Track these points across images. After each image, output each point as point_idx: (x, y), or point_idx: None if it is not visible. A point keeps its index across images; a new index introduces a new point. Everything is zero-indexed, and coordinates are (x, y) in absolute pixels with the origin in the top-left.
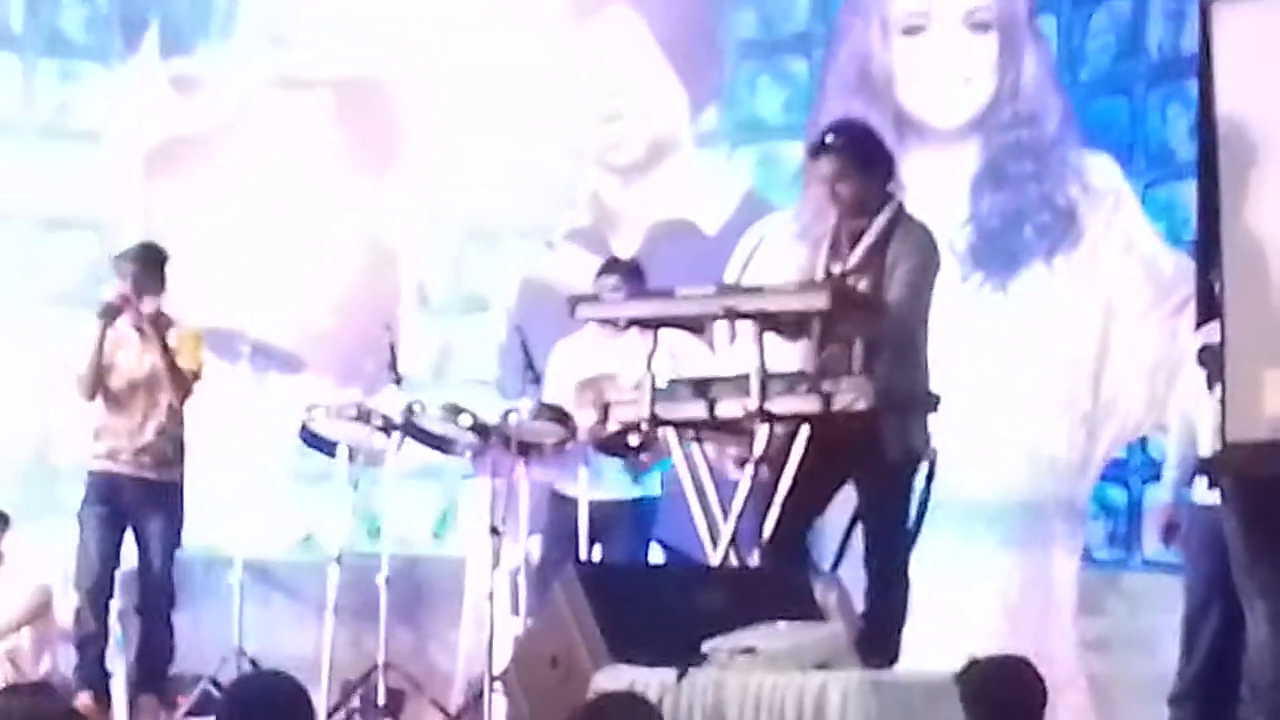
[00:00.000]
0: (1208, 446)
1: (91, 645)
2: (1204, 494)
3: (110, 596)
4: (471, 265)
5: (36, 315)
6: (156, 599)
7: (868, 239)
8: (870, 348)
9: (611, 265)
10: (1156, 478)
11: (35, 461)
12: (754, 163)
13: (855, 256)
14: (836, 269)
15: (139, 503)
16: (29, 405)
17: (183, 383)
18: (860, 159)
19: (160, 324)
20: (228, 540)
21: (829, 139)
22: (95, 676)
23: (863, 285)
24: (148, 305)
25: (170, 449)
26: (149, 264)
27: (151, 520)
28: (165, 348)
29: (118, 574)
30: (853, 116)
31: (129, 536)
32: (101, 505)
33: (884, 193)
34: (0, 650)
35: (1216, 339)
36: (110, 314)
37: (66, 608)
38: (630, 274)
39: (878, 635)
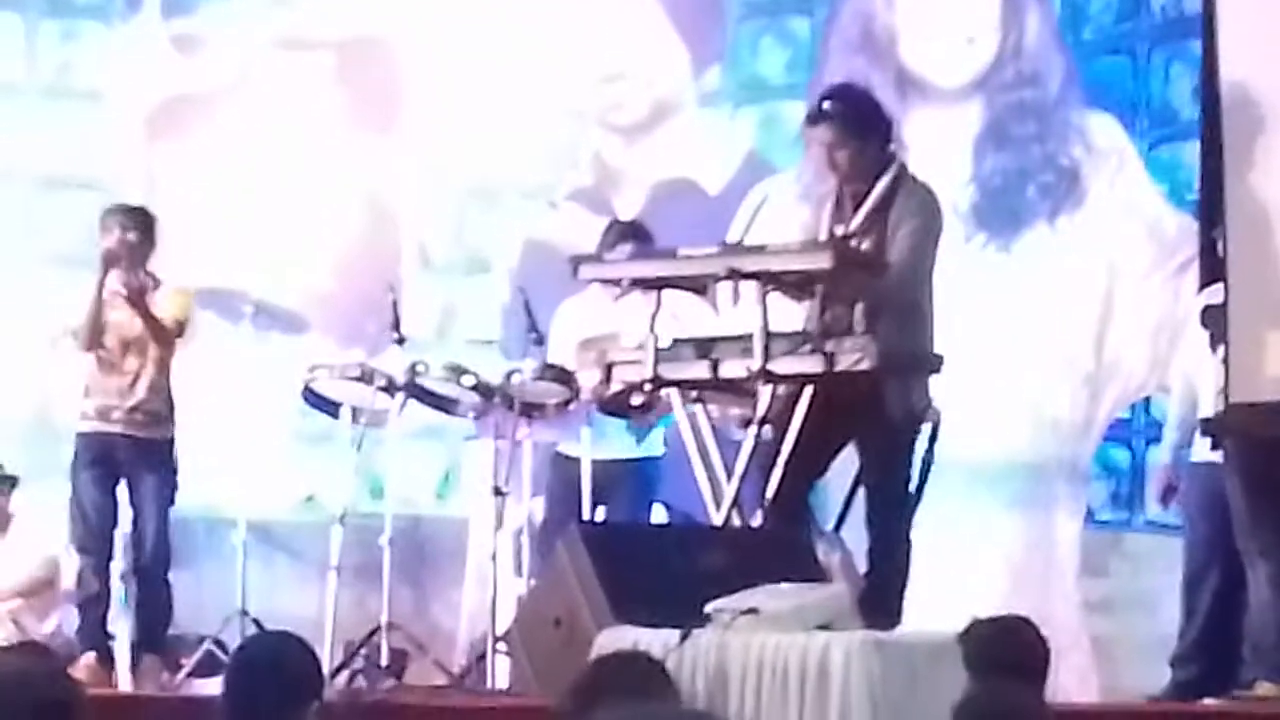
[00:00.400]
0: (1209, 407)
1: (93, 606)
2: (1203, 454)
3: (111, 557)
4: (474, 225)
5: (37, 275)
6: (152, 558)
7: (870, 201)
8: (873, 308)
9: (616, 228)
10: (1159, 439)
11: (37, 422)
12: (757, 123)
13: (858, 218)
14: (840, 230)
15: (131, 462)
16: (30, 366)
17: (164, 336)
18: (856, 125)
19: (147, 285)
20: (230, 501)
21: (825, 106)
22: (98, 638)
23: (866, 246)
24: (135, 265)
25: (162, 407)
26: (138, 226)
27: (144, 479)
28: (147, 307)
29: (117, 534)
30: (851, 79)
31: (124, 497)
32: (94, 465)
33: (884, 155)
34: (3, 610)
35: (1220, 300)
36: (109, 261)
37: (72, 569)
38: (635, 237)
39: (880, 596)
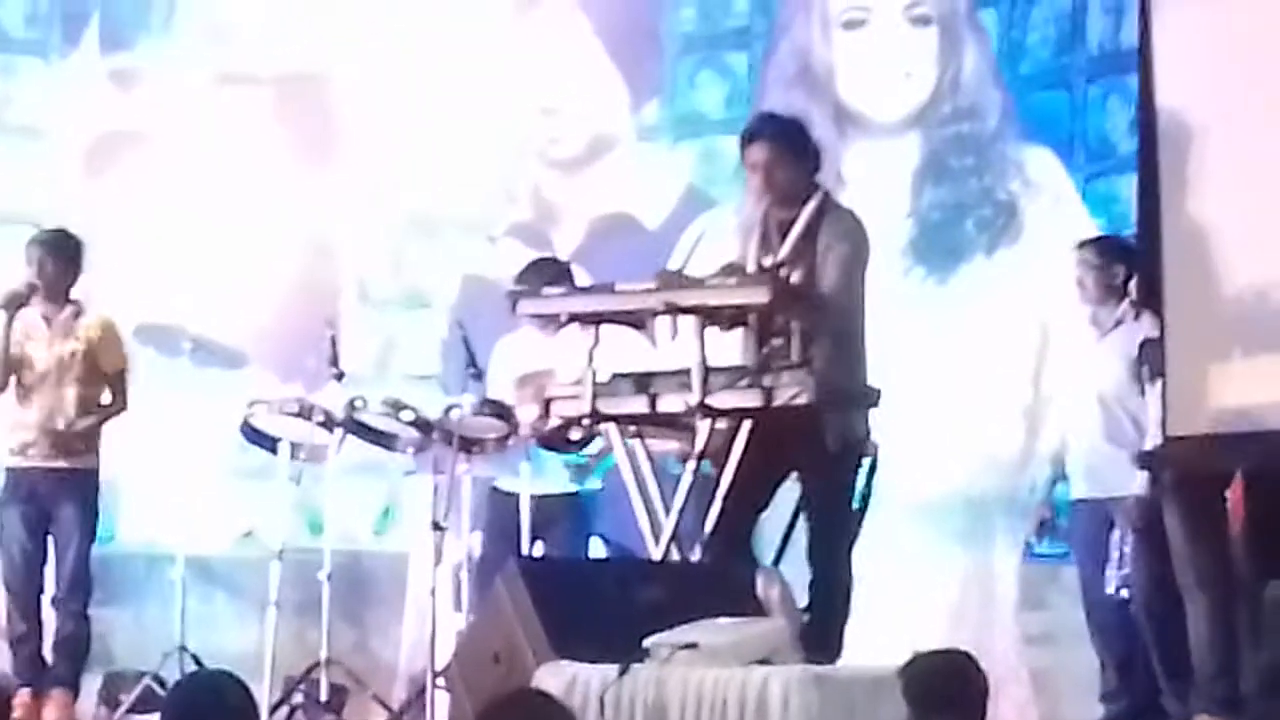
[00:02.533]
0: (1076, 445)
1: (25, 643)
2: (1080, 490)
3: (41, 592)
4: (413, 260)
5: None
6: (69, 591)
7: (797, 228)
8: (809, 340)
9: (534, 266)
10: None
11: None
12: (695, 157)
13: (786, 247)
14: (767, 261)
15: (53, 493)
16: None
17: (113, 382)
18: (790, 147)
19: (73, 313)
20: (169, 536)
21: (759, 126)
22: (31, 673)
23: (796, 275)
24: (59, 294)
25: (83, 438)
26: (61, 251)
27: (65, 509)
28: (79, 338)
29: (48, 569)
30: (789, 110)
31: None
32: (18, 501)
33: (811, 182)
34: None
35: (1157, 334)
36: (14, 303)
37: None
38: (557, 274)
39: (820, 630)
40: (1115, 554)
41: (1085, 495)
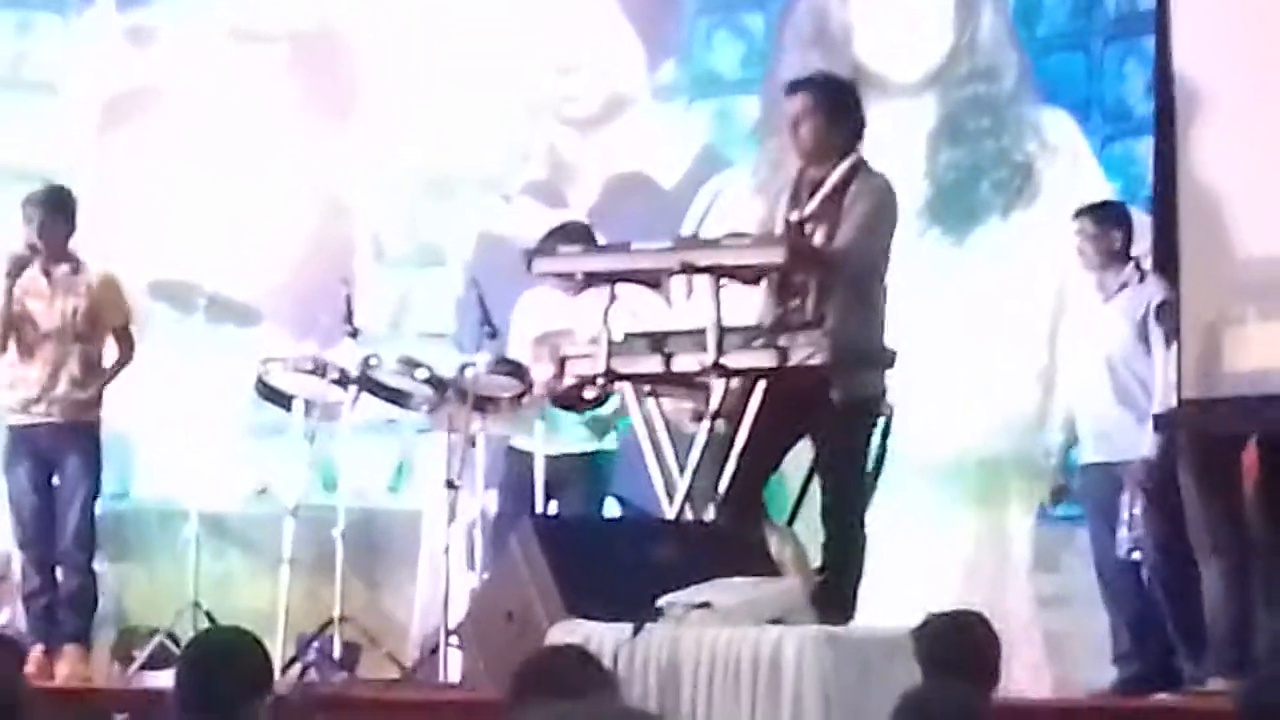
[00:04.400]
0: (1084, 409)
1: (37, 599)
2: (1090, 454)
3: (52, 548)
4: (428, 218)
5: None
6: (74, 545)
7: (826, 187)
8: (826, 300)
9: (560, 230)
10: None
11: None
12: (711, 117)
13: (813, 203)
14: (794, 217)
15: (56, 448)
16: None
17: (119, 336)
18: (830, 104)
19: (72, 268)
20: (183, 493)
21: (807, 79)
22: (46, 630)
23: (820, 232)
24: (58, 250)
25: (84, 393)
26: (56, 207)
27: (67, 465)
28: (80, 293)
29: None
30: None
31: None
32: (23, 459)
33: (847, 145)
34: None
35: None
36: (19, 267)
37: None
38: (580, 238)
39: (833, 590)
40: (1126, 516)
41: (1095, 459)
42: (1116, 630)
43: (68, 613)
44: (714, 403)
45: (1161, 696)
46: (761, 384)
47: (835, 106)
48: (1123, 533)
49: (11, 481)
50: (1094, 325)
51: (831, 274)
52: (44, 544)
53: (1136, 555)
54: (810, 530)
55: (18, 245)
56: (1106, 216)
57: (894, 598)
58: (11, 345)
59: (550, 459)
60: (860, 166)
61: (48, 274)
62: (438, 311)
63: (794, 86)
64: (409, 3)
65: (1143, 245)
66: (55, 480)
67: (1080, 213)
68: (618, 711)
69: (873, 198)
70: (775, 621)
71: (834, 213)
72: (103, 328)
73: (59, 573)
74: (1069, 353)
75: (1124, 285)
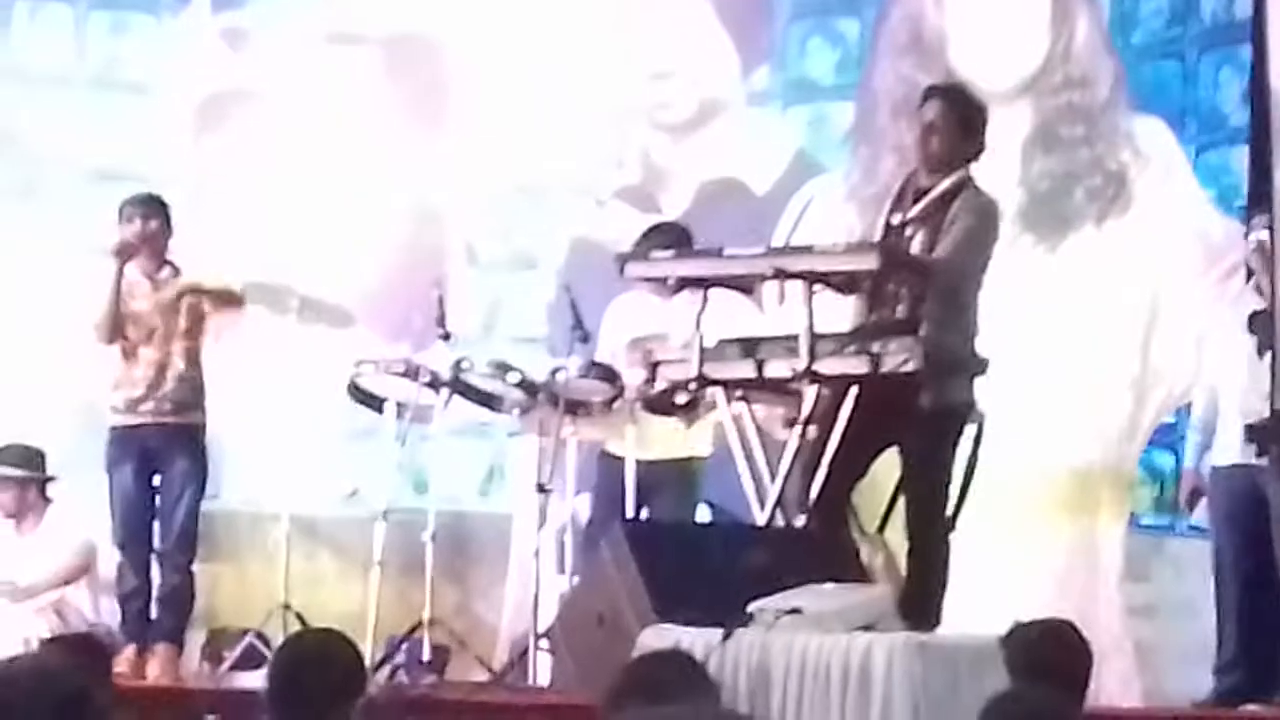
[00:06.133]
0: (1235, 410)
1: (134, 599)
2: (1228, 457)
3: (151, 549)
4: (520, 222)
5: (85, 267)
6: (176, 546)
7: (932, 194)
8: (919, 308)
9: (658, 230)
10: (1206, 445)
11: (85, 411)
12: (805, 123)
13: (916, 208)
14: (896, 220)
15: (160, 450)
16: (78, 356)
17: (230, 300)
18: (965, 118)
19: (171, 271)
20: (274, 495)
21: (948, 88)
22: (139, 630)
23: (919, 237)
24: (157, 253)
25: (189, 394)
26: (157, 212)
27: (173, 466)
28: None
29: (156, 525)
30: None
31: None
32: (126, 458)
33: (963, 161)
34: (45, 601)
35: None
36: (125, 252)
37: (113, 562)
38: (677, 240)
39: (919, 597)
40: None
41: (1238, 460)
42: (1223, 639)
43: (163, 612)
44: (806, 409)
45: (1251, 707)
46: (853, 390)
47: (966, 121)
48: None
49: (115, 481)
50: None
51: (926, 282)
52: (144, 544)
53: None
54: (900, 537)
55: (115, 243)
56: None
57: (984, 606)
58: (116, 345)
59: (641, 463)
60: (968, 181)
61: (149, 276)
62: (530, 316)
63: (932, 92)
64: (504, 7)
65: (1236, 255)
66: (156, 480)
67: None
68: (718, 715)
69: (978, 214)
70: (865, 628)
71: (936, 221)
72: (202, 322)
73: (155, 572)
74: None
75: None
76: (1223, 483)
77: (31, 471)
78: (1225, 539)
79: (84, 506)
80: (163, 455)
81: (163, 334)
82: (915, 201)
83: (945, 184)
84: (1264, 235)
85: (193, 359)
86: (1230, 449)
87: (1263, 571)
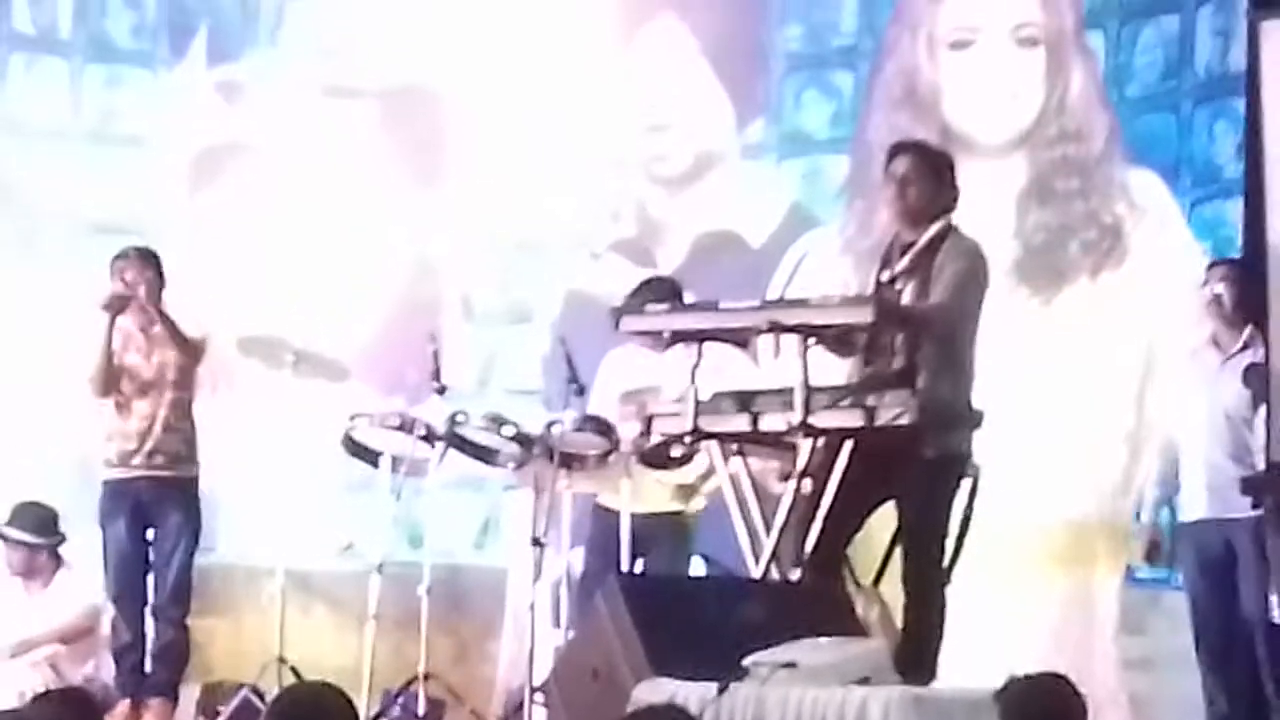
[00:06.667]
0: (1199, 465)
1: (128, 654)
2: (1192, 511)
3: (144, 603)
4: (516, 276)
5: (81, 320)
6: (170, 600)
7: (917, 246)
8: (914, 361)
9: (647, 285)
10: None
11: (83, 465)
12: (800, 176)
13: (903, 262)
14: (885, 276)
15: (155, 502)
16: (76, 410)
17: (189, 350)
18: (932, 169)
19: (163, 323)
20: (269, 548)
21: (914, 143)
22: (133, 684)
23: (909, 290)
24: (149, 307)
25: (182, 447)
26: (150, 265)
27: (166, 520)
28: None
29: (150, 579)
30: (895, 134)
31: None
32: (120, 512)
33: (943, 211)
34: (41, 656)
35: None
36: (115, 306)
37: (108, 617)
38: (668, 293)
39: (915, 651)
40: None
41: (1203, 515)
42: (1213, 695)
43: (158, 667)
44: (801, 462)
45: None
46: (849, 444)
47: (938, 172)
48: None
49: (109, 535)
50: (1208, 380)
51: (920, 333)
52: (138, 598)
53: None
54: (896, 591)
55: (106, 296)
56: (1243, 275)
57: (979, 659)
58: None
59: (636, 517)
60: (951, 229)
61: (143, 330)
62: (525, 369)
63: (900, 149)
64: (501, 60)
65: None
66: (150, 534)
67: (1219, 263)
68: None
69: (964, 260)
70: (861, 682)
71: (924, 272)
72: (191, 373)
73: (150, 627)
74: (1174, 407)
75: (1245, 346)
76: (1191, 538)
77: (44, 538)
78: (1200, 593)
79: (82, 561)
80: (156, 508)
81: (153, 387)
82: (902, 255)
83: (929, 234)
84: (1219, 289)
85: (184, 411)
86: (1196, 503)
87: (1239, 623)
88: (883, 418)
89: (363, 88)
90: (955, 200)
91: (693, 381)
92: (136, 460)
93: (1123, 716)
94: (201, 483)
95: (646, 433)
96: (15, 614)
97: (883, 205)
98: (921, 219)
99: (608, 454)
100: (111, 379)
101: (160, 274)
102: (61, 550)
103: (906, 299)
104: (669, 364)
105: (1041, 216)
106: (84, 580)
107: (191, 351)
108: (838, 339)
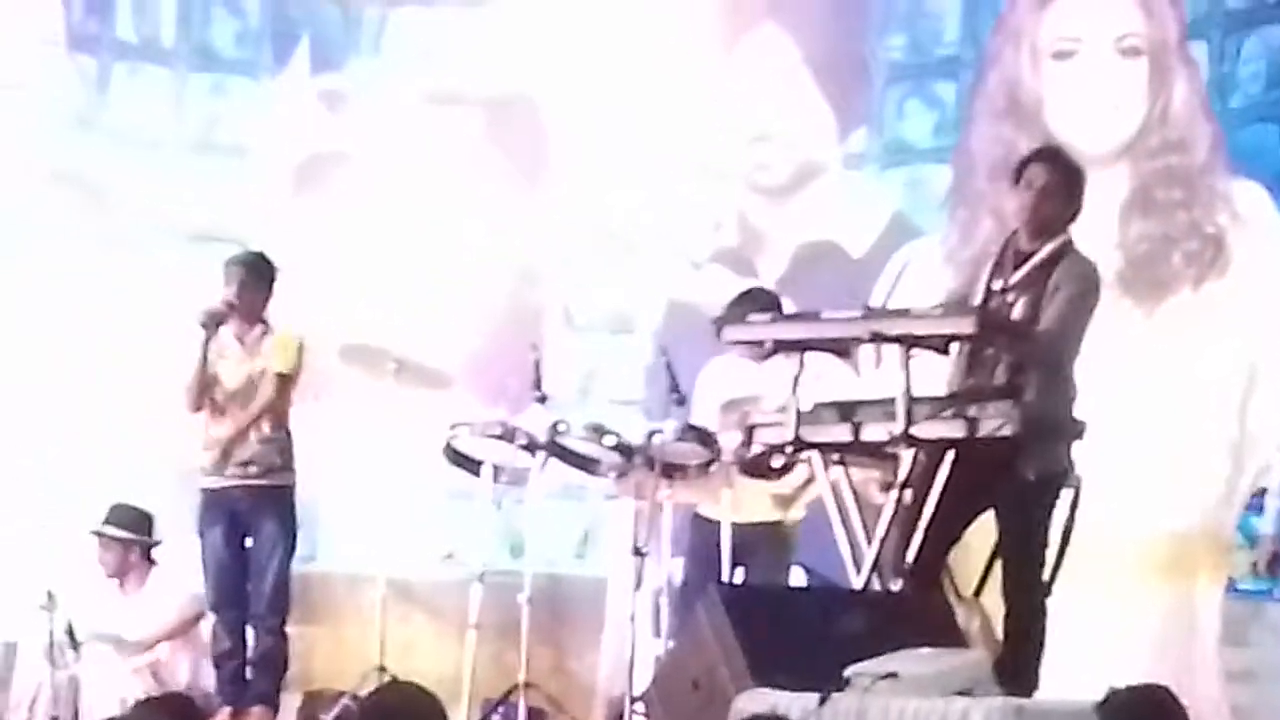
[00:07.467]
0: None
1: (228, 661)
2: None
3: (244, 611)
4: (618, 285)
5: (186, 329)
6: (268, 608)
7: (1034, 260)
8: (1017, 372)
9: (748, 295)
10: None
11: (184, 473)
12: (902, 186)
13: (1018, 274)
14: (997, 285)
15: (250, 512)
16: (178, 418)
17: (279, 387)
18: (1066, 183)
19: (262, 333)
20: (371, 557)
21: (1054, 152)
22: (235, 692)
23: (1021, 303)
24: (253, 315)
25: (276, 455)
26: (260, 273)
27: (263, 528)
28: (265, 355)
29: (249, 586)
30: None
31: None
32: (217, 520)
33: (1064, 225)
34: (143, 661)
35: None
36: (213, 321)
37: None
38: (767, 304)
39: (1016, 662)
40: None
41: None
42: None
43: (258, 675)
44: (902, 472)
45: None
46: (950, 454)
47: (1071, 185)
48: None
49: (206, 544)
50: None
51: (1027, 349)
52: (237, 606)
53: None
54: (997, 601)
55: (214, 303)
56: None
57: (1080, 670)
58: (204, 406)
59: (737, 527)
60: (1069, 246)
61: (239, 338)
62: (626, 378)
63: (1039, 156)
64: (604, 69)
65: None
66: (248, 542)
67: None
68: None
69: (1079, 284)
70: (962, 693)
71: (1039, 288)
72: (280, 386)
73: (250, 635)
74: None
75: None
76: None
77: (137, 534)
78: None
79: (181, 568)
80: (252, 517)
81: (247, 397)
82: (1017, 267)
83: (1047, 249)
84: None
85: (280, 420)
86: None
87: None
88: (985, 429)
89: (465, 96)
90: (1078, 213)
91: (794, 391)
92: (230, 469)
93: None
94: (299, 491)
95: (748, 442)
96: (113, 611)
97: (1010, 212)
98: (1045, 231)
99: (709, 464)
100: (204, 391)
101: (270, 282)
102: (158, 556)
103: (1017, 313)
104: (769, 374)
105: (1144, 227)
106: (179, 582)
107: (279, 387)
108: (939, 348)
